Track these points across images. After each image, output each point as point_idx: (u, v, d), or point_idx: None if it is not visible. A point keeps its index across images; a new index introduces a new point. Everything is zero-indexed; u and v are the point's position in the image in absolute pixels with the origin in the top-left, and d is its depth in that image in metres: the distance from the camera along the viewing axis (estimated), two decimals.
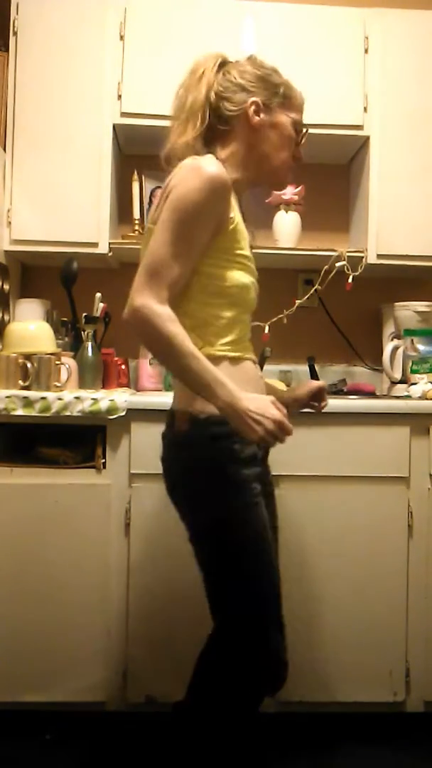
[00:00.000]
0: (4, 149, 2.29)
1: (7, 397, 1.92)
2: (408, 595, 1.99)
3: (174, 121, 1.43)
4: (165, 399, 1.99)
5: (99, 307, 2.34)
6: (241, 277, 1.39)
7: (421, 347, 2.30)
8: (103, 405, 1.92)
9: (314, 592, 1.95)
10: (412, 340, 2.31)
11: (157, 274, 1.27)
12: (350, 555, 1.98)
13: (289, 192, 2.42)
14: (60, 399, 1.92)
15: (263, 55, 2.38)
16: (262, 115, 1.43)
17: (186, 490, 1.42)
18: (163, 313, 1.25)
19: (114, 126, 2.33)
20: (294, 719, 1.96)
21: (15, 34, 2.29)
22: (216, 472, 1.35)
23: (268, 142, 1.46)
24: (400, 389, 2.29)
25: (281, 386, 2.42)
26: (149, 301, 1.25)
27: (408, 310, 2.38)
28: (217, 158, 1.38)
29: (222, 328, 1.39)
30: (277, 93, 1.45)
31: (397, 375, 2.38)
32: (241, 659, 1.39)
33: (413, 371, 2.29)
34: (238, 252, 1.39)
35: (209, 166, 1.31)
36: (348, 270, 2.37)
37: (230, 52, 2.37)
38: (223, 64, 1.46)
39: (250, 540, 1.37)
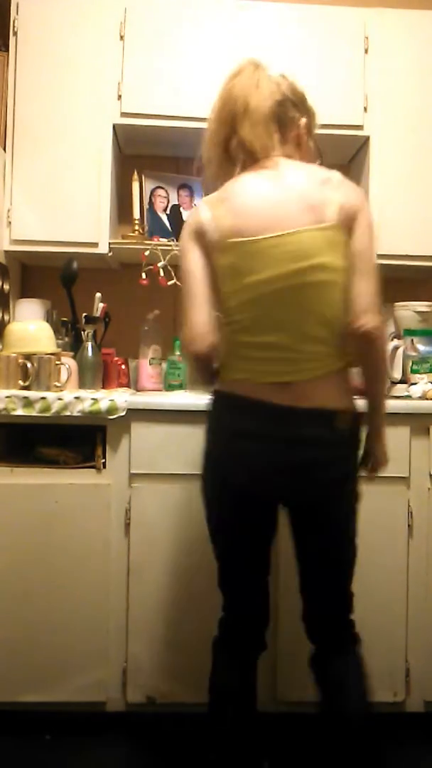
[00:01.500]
0: (4, 149, 2.29)
1: (7, 397, 1.92)
2: (408, 595, 1.99)
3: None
4: (165, 399, 1.99)
5: (99, 307, 2.34)
6: None
7: (421, 347, 2.30)
8: (103, 405, 1.92)
9: None
10: (412, 340, 2.31)
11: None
12: None
13: None
14: (60, 399, 1.92)
15: (263, 54, 2.39)
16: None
17: (353, 483, 1.49)
18: None
19: (114, 126, 2.33)
20: (294, 719, 1.96)
21: (15, 34, 2.29)
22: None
23: None
24: (400, 389, 2.29)
25: None
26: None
27: (408, 310, 2.38)
28: None
29: None
30: (315, 121, 1.55)
31: (397, 375, 2.38)
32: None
33: (413, 371, 2.29)
34: None
35: None
36: None
37: (230, 51, 2.37)
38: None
39: None
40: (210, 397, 1.51)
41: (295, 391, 1.38)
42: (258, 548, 1.52)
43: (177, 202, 2.55)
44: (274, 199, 1.39)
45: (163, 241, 2.36)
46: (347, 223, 1.38)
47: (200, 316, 1.42)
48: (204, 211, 1.45)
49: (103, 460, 1.96)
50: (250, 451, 1.40)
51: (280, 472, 1.40)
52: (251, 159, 1.43)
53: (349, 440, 1.43)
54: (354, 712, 1.46)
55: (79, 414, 1.92)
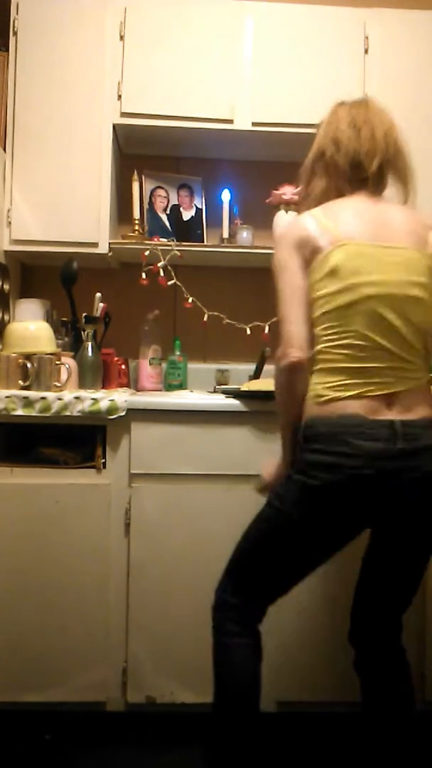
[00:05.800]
0: (4, 149, 2.29)
1: (7, 397, 1.92)
2: None
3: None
4: (165, 399, 1.99)
5: (99, 307, 2.34)
6: None
7: None
8: (103, 405, 1.92)
9: (313, 591, 1.95)
10: None
11: None
12: (349, 554, 1.98)
13: (289, 192, 2.42)
14: (60, 399, 1.92)
15: (263, 54, 2.39)
16: None
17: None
18: None
19: (114, 126, 2.33)
20: (294, 719, 1.97)
21: (15, 34, 2.29)
22: None
23: None
24: None
25: None
26: None
27: None
28: None
29: None
30: None
31: None
32: None
33: None
34: None
35: None
36: None
37: (230, 51, 2.37)
38: None
39: None
40: None
41: None
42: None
43: (177, 202, 2.55)
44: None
45: (163, 241, 2.36)
46: None
47: None
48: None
49: (103, 460, 1.96)
50: None
51: None
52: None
53: None
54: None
55: (79, 414, 1.92)
